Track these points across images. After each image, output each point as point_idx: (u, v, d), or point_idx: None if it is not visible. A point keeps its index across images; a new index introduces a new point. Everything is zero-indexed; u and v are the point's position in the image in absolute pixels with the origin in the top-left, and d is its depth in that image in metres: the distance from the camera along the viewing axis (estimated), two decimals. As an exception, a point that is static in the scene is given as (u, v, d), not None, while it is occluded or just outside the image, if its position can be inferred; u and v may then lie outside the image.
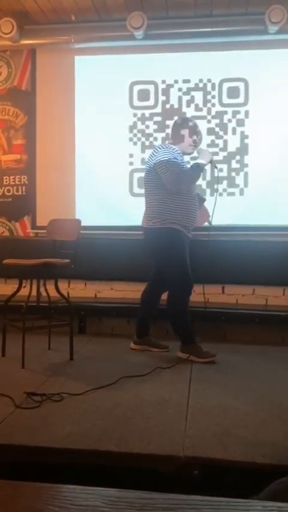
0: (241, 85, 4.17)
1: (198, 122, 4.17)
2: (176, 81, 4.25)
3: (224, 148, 4.20)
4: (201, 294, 4.12)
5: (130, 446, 1.81)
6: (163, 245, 3.13)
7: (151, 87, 4.29)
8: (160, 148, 3.16)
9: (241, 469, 1.70)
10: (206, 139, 4.21)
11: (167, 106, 4.27)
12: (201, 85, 4.23)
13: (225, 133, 4.21)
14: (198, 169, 3.15)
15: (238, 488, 1.57)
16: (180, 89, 4.26)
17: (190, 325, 3.20)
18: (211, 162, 3.22)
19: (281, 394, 2.39)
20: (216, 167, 3.35)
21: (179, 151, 3.19)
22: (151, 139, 4.29)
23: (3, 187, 4.49)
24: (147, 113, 4.30)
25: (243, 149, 4.19)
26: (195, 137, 3.26)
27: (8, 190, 4.49)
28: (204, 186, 4.22)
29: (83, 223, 3.28)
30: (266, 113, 4.13)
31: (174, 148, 3.17)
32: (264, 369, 2.97)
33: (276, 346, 3.64)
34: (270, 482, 1.21)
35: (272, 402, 2.32)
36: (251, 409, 2.23)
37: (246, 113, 4.17)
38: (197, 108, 4.23)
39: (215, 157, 4.18)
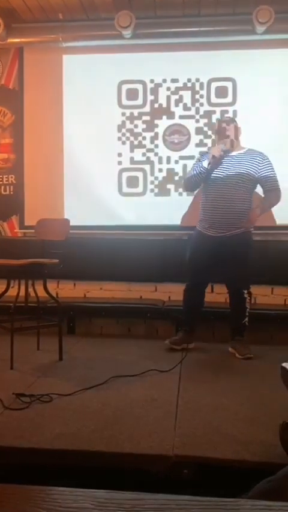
0: (229, 85, 4.19)
1: (186, 121, 4.24)
2: (164, 81, 4.25)
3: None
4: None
5: (120, 447, 1.80)
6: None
7: (139, 87, 4.29)
8: None
9: (231, 468, 1.71)
10: (195, 138, 4.22)
11: (156, 105, 4.27)
12: (189, 84, 4.23)
13: (214, 132, 4.21)
14: (198, 168, 3.29)
15: (228, 486, 1.57)
16: (168, 88, 4.26)
17: (189, 319, 3.46)
18: (213, 158, 3.21)
19: (271, 393, 2.41)
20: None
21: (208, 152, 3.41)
22: (140, 138, 4.29)
23: (-10, 187, 4.45)
24: (135, 112, 4.30)
25: (231, 149, 4.19)
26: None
27: (-4, 190, 4.46)
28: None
29: (72, 223, 3.26)
30: (254, 112, 4.15)
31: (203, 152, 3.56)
32: (253, 367, 2.99)
33: (265, 345, 3.65)
34: (260, 480, 1.22)
35: (261, 401, 2.34)
36: (240, 408, 2.24)
37: (235, 113, 4.19)
38: (186, 108, 4.24)
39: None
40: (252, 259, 3.32)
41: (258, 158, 3.27)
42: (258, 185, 3.34)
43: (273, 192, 3.27)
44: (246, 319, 3.32)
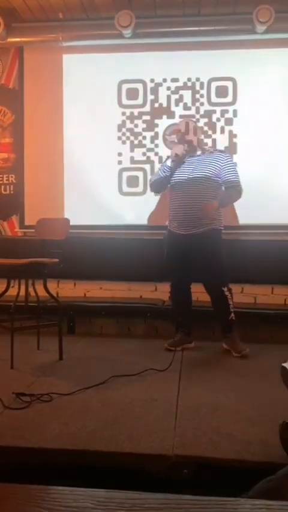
0: (229, 84, 4.19)
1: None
2: (164, 80, 4.25)
3: (213, 147, 4.21)
4: (192, 293, 4.15)
5: (120, 446, 1.80)
6: None
7: (140, 86, 4.29)
8: None
9: (231, 468, 1.71)
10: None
11: (156, 105, 4.27)
12: (189, 84, 4.23)
13: (214, 132, 4.22)
14: (163, 168, 3.45)
15: (228, 486, 1.57)
16: (168, 88, 4.26)
17: (180, 319, 3.48)
18: (175, 157, 3.29)
19: (271, 392, 2.41)
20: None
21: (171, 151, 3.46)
22: (140, 138, 4.29)
23: (-10, 187, 4.45)
24: (135, 111, 4.30)
25: (231, 148, 4.20)
26: (174, 136, 3.53)
27: (-4, 190, 4.46)
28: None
29: (72, 223, 3.26)
30: (254, 112, 4.15)
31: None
32: (253, 366, 2.99)
33: (264, 343, 3.66)
34: (260, 480, 1.22)
35: (261, 400, 2.34)
36: (240, 407, 2.24)
37: (235, 112, 4.19)
38: (186, 107, 4.24)
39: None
40: (223, 256, 3.32)
41: (220, 158, 3.34)
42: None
43: (233, 188, 3.32)
44: (232, 315, 3.31)
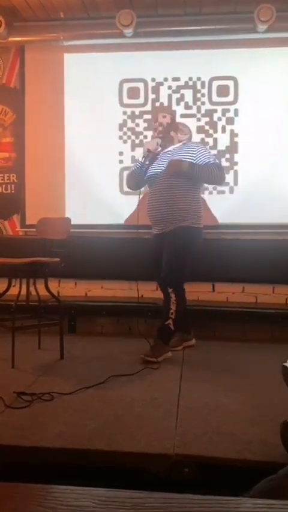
0: (231, 83, 4.19)
1: (187, 120, 4.23)
2: (165, 79, 4.25)
3: (214, 147, 4.21)
4: (192, 292, 4.15)
5: (121, 445, 1.80)
6: None
7: (141, 85, 4.29)
8: None
9: (231, 467, 1.71)
10: (196, 137, 4.22)
11: (157, 104, 4.27)
12: (190, 83, 4.23)
13: (215, 131, 4.22)
14: (135, 164, 3.32)
15: (229, 485, 1.57)
16: (170, 87, 4.26)
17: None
18: (147, 152, 3.17)
19: (271, 392, 2.41)
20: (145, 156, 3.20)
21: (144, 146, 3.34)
22: (141, 137, 4.28)
23: (-8, 186, 4.46)
24: (137, 110, 4.30)
25: (232, 147, 4.20)
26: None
27: (-3, 189, 4.46)
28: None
29: (73, 222, 3.26)
30: (256, 111, 4.15)
31: None
32: (254, 366, 2.99)
33: (266, 343, 3.66)
34: (261, 479, 1.22)
35: (262, 400, 2.34)
36: (241, 407, 2.24)
37: (236, 111, 4.19)
38: (187, 106, 4.24)
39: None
40: (186, 256, 3.07)
41: (192, 148, 3.12)
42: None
43: (215, 165, 3.06)
44: (170, 321, 3.02)
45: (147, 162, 3.20)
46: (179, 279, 3.09)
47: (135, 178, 3.29)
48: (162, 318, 3.09)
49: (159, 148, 3.18)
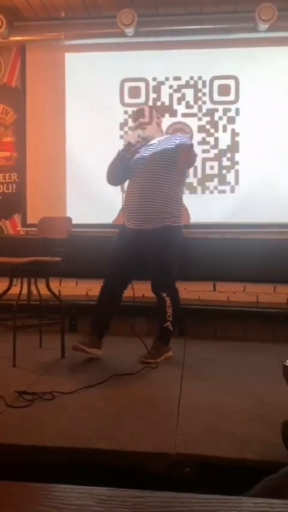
0: (232, 83, 4.18)
1: (188, 119, 4.23)
2: (166, 79, 4.25)
3: (215, 146, 4.21)
4: (193, 291, 4.16)
5: (122, 445, 1.81)
6: None
7: (142, 85, 4.29)
8: None
9: (232, 466, 1.71)
10: (197, 136, 4.22)
11: (158, 103, 4.27)
12: (192, 82, 4.23)
13: (216, 130, 4.21)
14: (115, 156, 3.04)
15: (229, 485, 1.57)
16: (171, 86, 4.25)
17: (99, 321, 3.08)
18: (127, 145, 2.98)
19: (272, 391, 2.40)
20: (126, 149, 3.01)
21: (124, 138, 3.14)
22: (142, 136, 4.28)
23: (-7, 185, 4.46)
24: (138, 110, 4.28)
25: (234, 147, 4.20)
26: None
27: (-2, 188, 4.47)
28: (195, 183, 4.23)
29: (74, 221, 3.26)
30: (257, 110, 4.15)
31: None
32: (255, 365, 2.99)
33: (267, 342, 3.65)
34: (261, 479, 1.22)
35: (262, 399, 2.34)
36: (242, 406, 2.24)
37: (237, 111, 4.18)
38: (188, 106, 4.24)
39: (206, 155, 4.21)
40: (175, 258, 2.99)
41: (175, 137, 3.02)
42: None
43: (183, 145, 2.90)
44: (168, 324, 2.99)
45: (128, 156, 2.99)
46: (170, 281, 3.01)
47: (115, 173, 3.08)
48: (159, 319, 3.07)
49: (140, 140, 2.99)
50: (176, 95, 4.25)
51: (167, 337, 3.06)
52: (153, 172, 2.92)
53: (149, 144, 3.03)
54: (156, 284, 3.02)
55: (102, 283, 3.08)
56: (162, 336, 3.06)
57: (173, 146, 2.92)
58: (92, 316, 3.16)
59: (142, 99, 4.28)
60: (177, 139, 2.98)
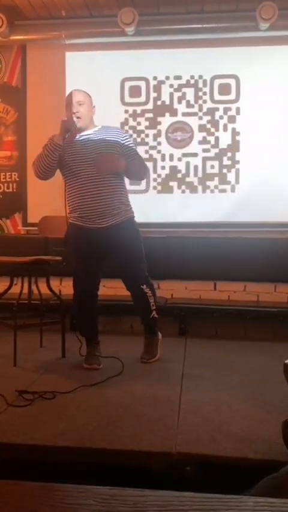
0: (232, 82, 4.18)
1: (189, 118, 4.23)
2: (167, 78, 4.24)
3: (216, 145, 4.21)
4: (194, 291, 4.16)
5: (122, 444, 1.81)
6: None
7: (142, 84, 4.28)
8: None
9: (233, 465, 1.71)
10: (198, 136, 4.22)
11: (159, 102, 4.26)
12: (192, 81, 4.22)
13: (217, 130, 4.21)
14: (47, 145, 2.81)
15: (230, 484, 1.57)
16: (171, 86, 4.25)
17: (93, 328, 2.98)
18: (64, 131, 2.76)
19: (272, 390, 2.41)
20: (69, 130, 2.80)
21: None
22: (142, 135, 4.28)
23: (-7, 184, 4.46)
24: (138, 109, 4.29)
25: (234, 146, 4.19)
26: (68, 110, 2.91)
27: (-1, 187, 4.47)
28: (196, 183, 4.22)
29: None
30: (257, 109, 4.14)
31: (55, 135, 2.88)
32: (255, 365, 2.99)
33: (267, 342, 3.65)
34: (262, 478, 1.22)
35: (263, 398, 2.34)
36: (242, 405, 2.24)
37: (238, 110, 4.18)
38: (189, 105, 4.23)
39: (207, 155, 4.20)
40: (142, 248, 2.94)
41: (119, 133, 2.92)
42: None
43: (137, 159, 2.88)
44: (154, 313, 3.00)
45: (61, 144, 2.76)
46: (146, 272, 2.96)
47: (50, 164, 2.82)
48: (142, 314, 3.05)
49: (76, 128, 2.80)
50: (177, 94, 4.25)
51: (155, 327, 3.06)
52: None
53: (84, 133, 2.85)
54: (136, 279, 2.93)
55: (75, 288, 2.91)
56: (151, 329, 3.05)
57: (120, 141, 2.81)
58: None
59: (142, 98, 4.28)
60: (126, 139, 2.87)
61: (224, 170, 4.21)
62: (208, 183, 4.22)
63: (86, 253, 2.83)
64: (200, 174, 4.21)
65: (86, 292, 2.90)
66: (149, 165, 4.26)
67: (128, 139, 2.93)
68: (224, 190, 4.20)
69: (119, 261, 2.93)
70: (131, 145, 2.90)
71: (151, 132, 4.28)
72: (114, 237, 2.79)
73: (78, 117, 2.82)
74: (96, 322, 2.99)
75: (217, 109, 4.20)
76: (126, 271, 2.96)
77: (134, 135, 4.29)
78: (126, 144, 2.86)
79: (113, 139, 2.83)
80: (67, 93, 4.33)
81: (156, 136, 4.27)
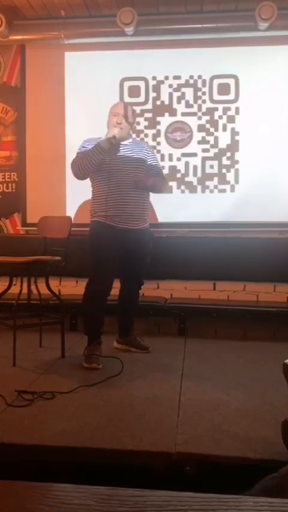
0: (232, 82, 4.18)
1: (188, 118, 4.22)
2: (166, 78, 4.24)
3: (215, 145, 4.21)
4: (193, 291, 4.16)
5: (122, 444, 1.81)
6: (87, 239, 3.11)
7: (142, 84, 4.28)
8: None
9: (233, 465, 1.71)
10: (197, 136, 4.21)
11: (158, 102, 4.26)
12: (191, 81, 4.22)
13: (216, 130, 4.21)
14: (93, 148, 2.97)
15: (230, 483, 1.57)
16: (170, 86, 4.25)
17: (99, 328, 3.06)
18: (113, 138, 2.93)
19: (272, 390, 2.41)
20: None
21: (97, 138, 3.06)
22: (142, 135, 4.28)
23: (-7, 184, 4.45)
24: (138, 109, 4.26)
25: (233, 146, 4.19)
26: (114, 118, 3.10)
27: (-2, 188, 4.46)
28: (195, 183, 4.22)
29: (74, 221, 3.26)
30: (257, 109, 4.14)
31: (90, 138, 3.15)
32: (255, 364, 2.99)
33: (267, 341, 3.66)
34: (262, 477, 1.22)
35: (263, 398, 2.34)
36: (242, 405, 2.24)
37: (237, 110, 4.18)
38: (188, 105, 4.23)
39: (206, 154, 4.20)
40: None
41: (145, 147, 3.23)
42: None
43: (160, 176, 3.15)
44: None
45: (107, 149, 2.94)
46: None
47: (92, 166, 2.96)
48: (129, 314, 3.30)
49: (118, 138, 2.98)
50: (176, 94, 4.24)
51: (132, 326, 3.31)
52: (134, 174, 2.99)
53: (121, 144, 3.06)
54: (140, 280, 3.22)
55: (93, 286, 2.97)
56: (131, 327, 3.31)
57: (148, 161, 3.10)
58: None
59: (142, 98, 4.28)
60: (152, 157, 3.16)
61: (224, 170, 4.21)
62: (207, 183, 4.22)
63: (111, 252, 2.93)
64: (199, 174, 4.21)
65: (102, 291, 2.97)
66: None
67: (155, 158, 3.21)
68: (223, 190, 4.20)
69: (132, 262, 3.07)
70: (156, 161, 3.20)
71: (150, 132, 4.28)
72: (139, 240, 3.00)
73: (120, 128, 3.03)
74: (102, 322, 3.05)
75: (216, 109, 4.20)
76: (133, 273, 3.14)
77: (133, 135, 4.28)
78: (152, 159, 3.15)
79: (143, 156, 3.09)
80: (66, 93, 4.39)
81: (155, 136, 4.27)
